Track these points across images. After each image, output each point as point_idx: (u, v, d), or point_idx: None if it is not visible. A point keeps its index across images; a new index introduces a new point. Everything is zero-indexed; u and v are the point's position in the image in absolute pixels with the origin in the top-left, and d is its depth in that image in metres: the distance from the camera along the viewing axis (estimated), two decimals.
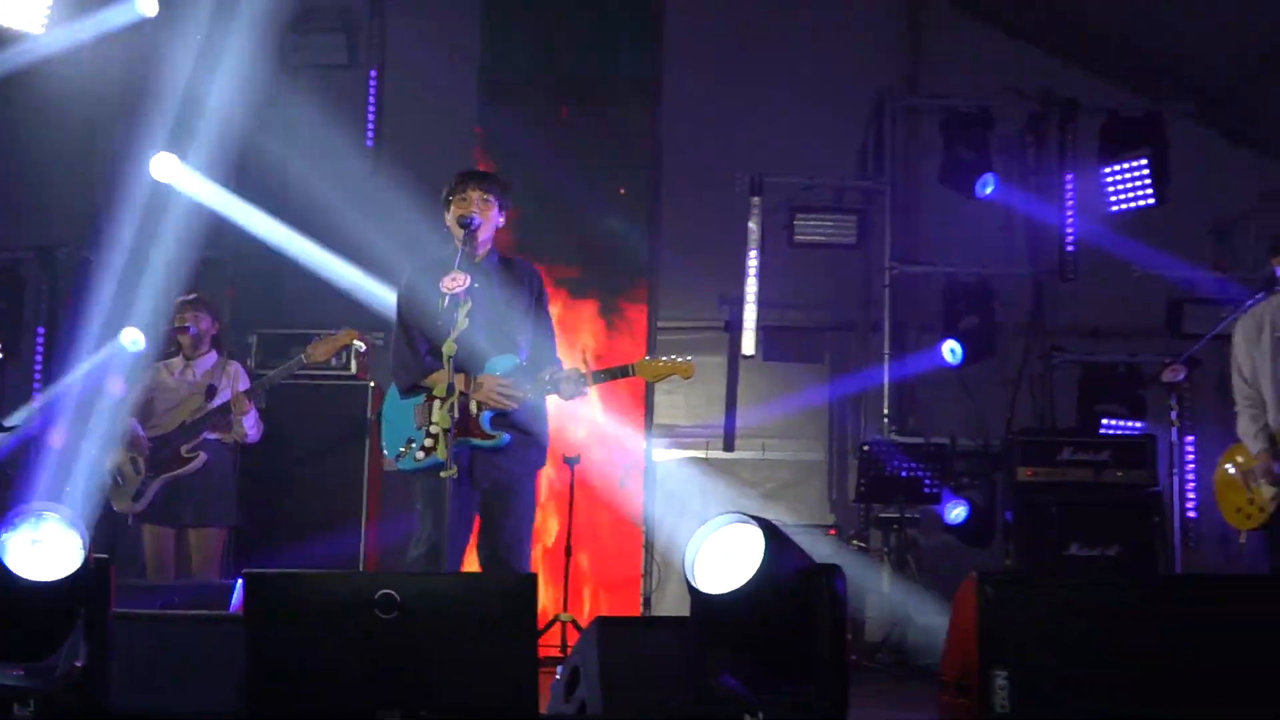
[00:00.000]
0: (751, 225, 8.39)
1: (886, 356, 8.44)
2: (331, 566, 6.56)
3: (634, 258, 7.95)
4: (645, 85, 8.17)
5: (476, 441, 4.60)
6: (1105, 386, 8.28)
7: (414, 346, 4.75)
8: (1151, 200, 8.20)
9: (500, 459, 4.66)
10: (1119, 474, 7.22)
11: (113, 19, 7.54)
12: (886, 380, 8.42)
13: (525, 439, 4.73)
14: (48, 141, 8.14)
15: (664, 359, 4.76)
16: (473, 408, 4.59)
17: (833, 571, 3.23)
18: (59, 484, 5.47)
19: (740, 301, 8.41)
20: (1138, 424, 8.01)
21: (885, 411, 8.41)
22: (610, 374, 4.90)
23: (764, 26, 9.10)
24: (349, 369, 7.23)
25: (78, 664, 3.17)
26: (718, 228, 8.63)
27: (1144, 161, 8.21)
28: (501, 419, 4.63)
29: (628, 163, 8.04)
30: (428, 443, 4.58)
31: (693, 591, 3.24)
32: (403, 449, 4.68)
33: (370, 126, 8.34)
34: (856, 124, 8.99)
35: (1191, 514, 7.49)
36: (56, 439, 6.22)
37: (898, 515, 7.69)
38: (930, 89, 8.98)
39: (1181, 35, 8.71)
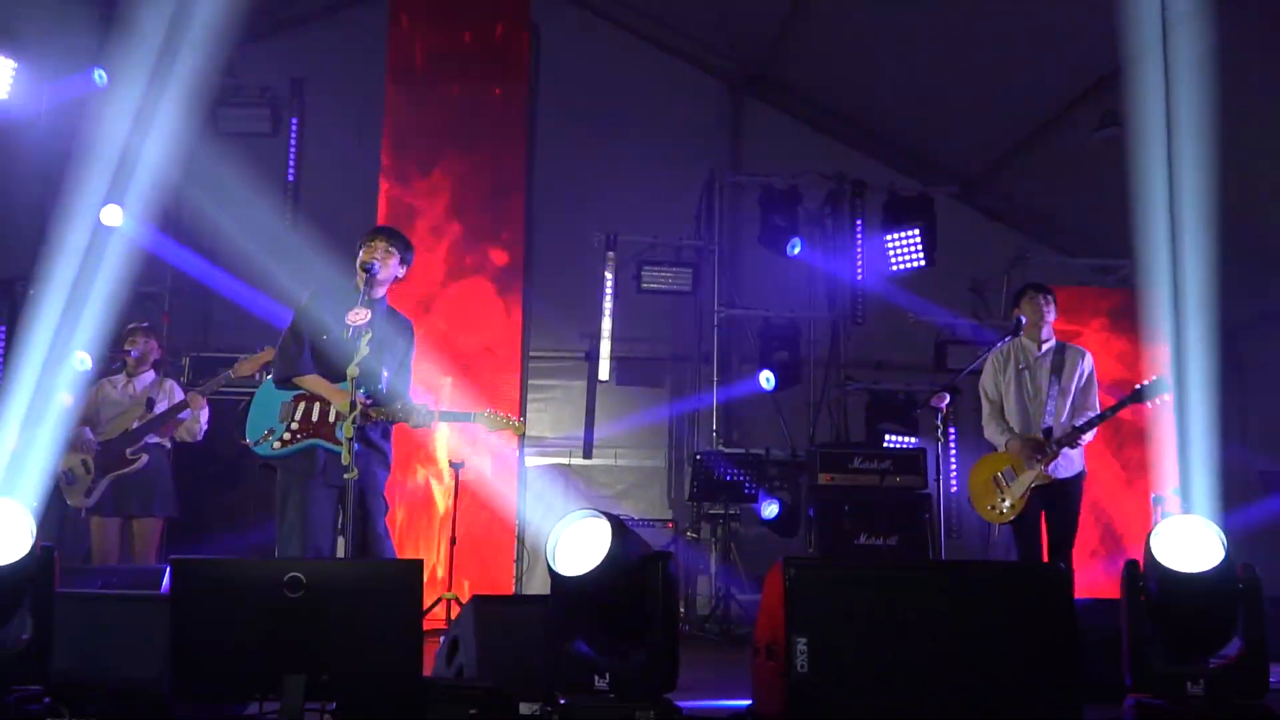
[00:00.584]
0: (607, 274, 8.45)
1: (715, 382, 8.56)
2: (251, 554, 6.35)
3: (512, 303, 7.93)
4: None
5: (325, 444, 4.48)
6: (887, 409, 8.52)
7: (300, 346, 4.60)
8: (923, 262, 8.52)
9: (363, 462, 4.48)
10: (898, 479, 7.41)
11: (67, 89, 7.26)
12: (715, 401, 8.54)
13: (379, 443, 4.60)
14: (7, 189, 7.77)
15: (503, 415, 4.69)
16: (331, 415, 4.49)
17: (666, 557, 3.24)
18: (9, 481, 5.18)
19: (597, 336, 8.44)
20: (913, 439, 8.26)
21: (714, 427, 8.52)
22: (455, 416, 4.85)
23: (617, 112, 9.21)
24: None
25: (24, 637, 3.02)
26: (579, 275, 8.67)
27: (917, 231, 8.52)
28: (360, 432, 4.48)
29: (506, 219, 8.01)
30: (285, 435, 4.47)
31: (553, 574, 3.21)
32: (261, 436, 4.53)
33: (290, 182, 8.15)
34: (691, 194, 9.14)
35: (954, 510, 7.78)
36: (8, 442, 5.88)
37: (723, 511, 7.78)
38: (750, 168, 9.19)
39: (945, 131, 9.09)
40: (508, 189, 7.98)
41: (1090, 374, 5.53)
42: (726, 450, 8.20)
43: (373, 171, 7.97)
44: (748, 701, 3.49)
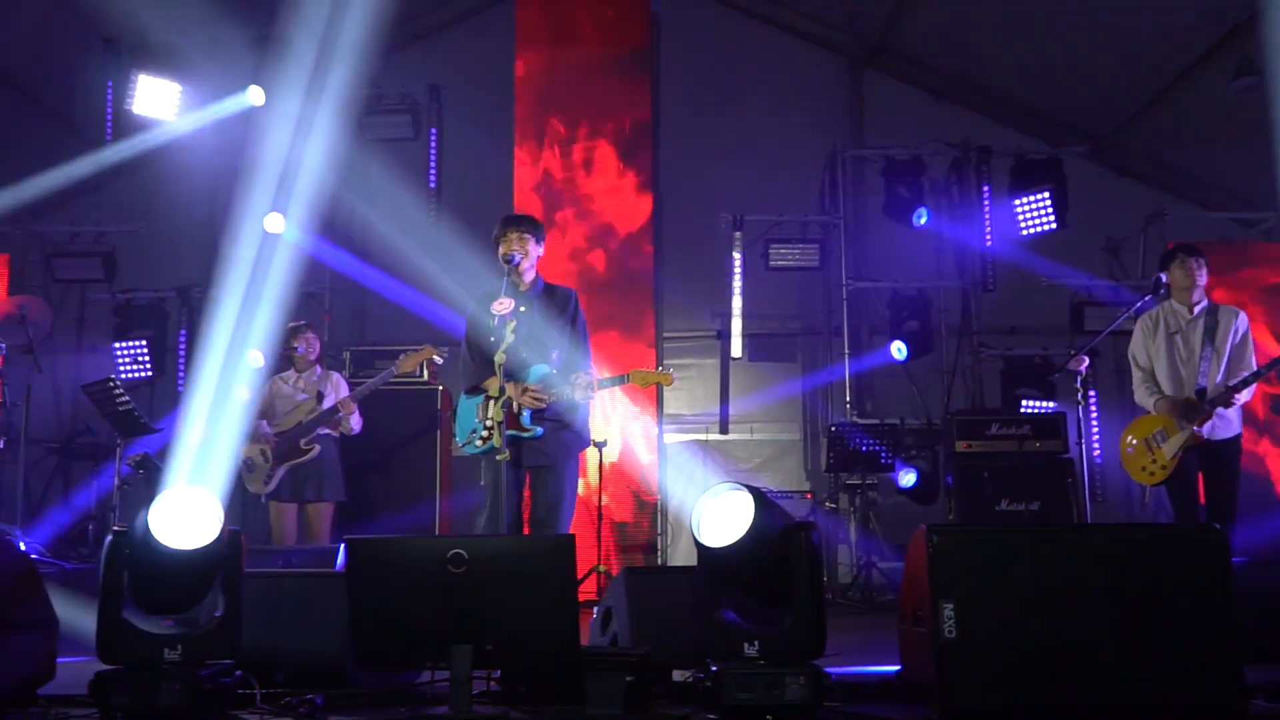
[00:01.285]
0: (735, 254, 8.39)
1: (846, 355, 8.42)
2: (413, 532, 6.57)
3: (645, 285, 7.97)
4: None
5: (517, 433, 4.62)
6: (1023, 374, 8.22)
7: (474, 357, 4.77)
8: (1054, 225, 8.17)
9: (539, 445, 4.66)
10: (1037, 444, 7.13)
11: (228, 107, 7.60)
12: (847, 373, 8.40)
13: (559, 428, 4.72)
14: (180, 203, 8.19)
15: (652, 371, 4.76)
16: (515, 407, 4.61)
17: (809, 527, 3.20)
18: (198, 470, 5.48)
19: (728, 315, 8.40)
20: (1050, 404, 7.96)
21: (848, 399, 8.39)
22: (612, 381, 4.89)
23: (737, 94, 9.13)
24: (423, 376, 7.24)
25: (216, 614, 3.14)
26: (707, 256, 8.63)
27: (1046, 194, 8.17)
28: (538, 415, 4.63)
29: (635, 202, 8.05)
30: (484, 433, 4.63)
31: (699, 545, 3.21)
32: (467, 439, 4.71)
33: (432, 184, 8.34)
34: (814, 170, 8.99)
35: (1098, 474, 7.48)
36: (194, 436, 6.22)
37: (860, 481, 7.66)
38: (872, 141, 8.99)
39: (1072, 90, 8.69)
40: (636, 173, 8.02)
41: (1245, 332, 5.22)
42: (861, 421, 8.07)
43: (507, 165, 8.12)
44: (896, 667, 3.44)
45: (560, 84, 8.12)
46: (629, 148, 8.07)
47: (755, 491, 3.19)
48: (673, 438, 8.63)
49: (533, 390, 4.59)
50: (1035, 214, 8.20)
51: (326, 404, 6.28)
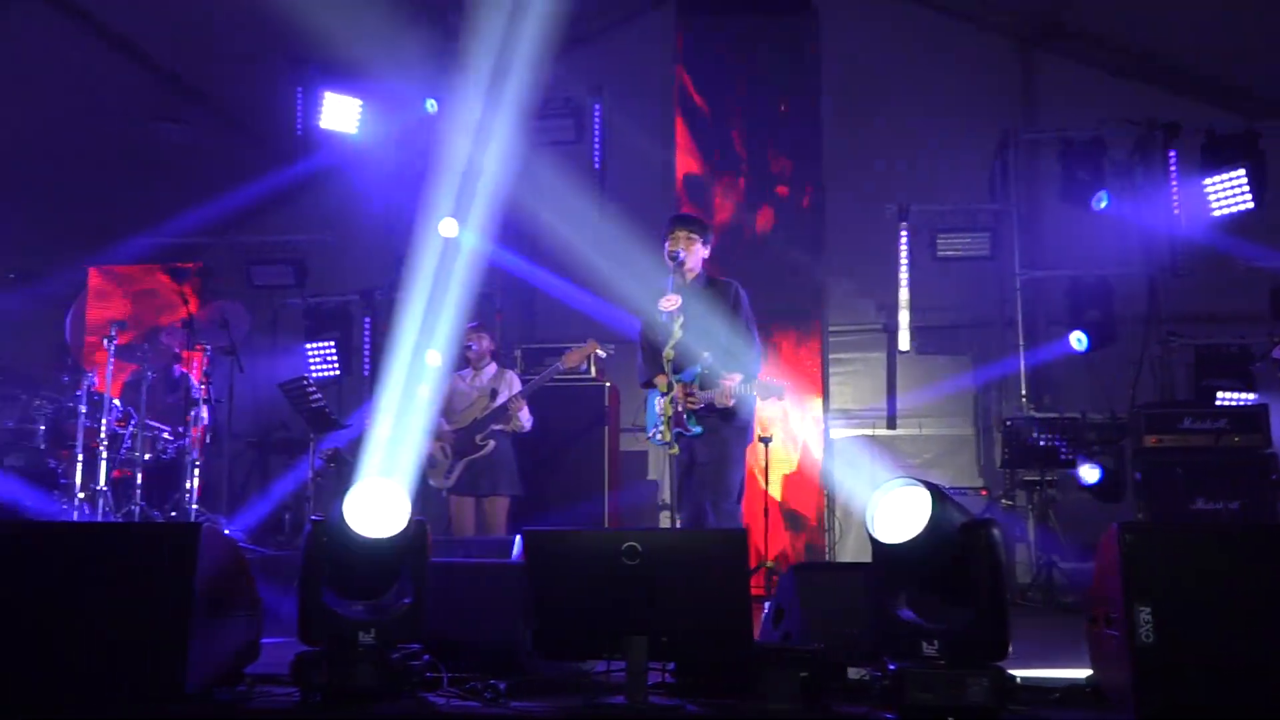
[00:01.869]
0: (901, 245, 8.19)
1: (1021, 347, 8.09)
2: (583, 525, 6.69)
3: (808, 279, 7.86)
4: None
5: (681, 430, 4.66)
6: (1217, 364, 7.71)
7: (646, 354, 4.88)
8: (1250, 204, 7.60)
9: (702, 442, 4.66)
10: (1235, 439, 6.64)
11: (406, 119, 7.91)
12: (1022, 366, 8.07)
13: (719, 426, 4.71)
14: (362, 213, 8.60)
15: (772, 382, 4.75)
16: (679, 406, 4.66)
17: (990, 524, 3.09)
18: (386, 464, 5.73)
19: (895, 307, 8.22)
20: (1249, 396, 7.43)
21: (1023, 392, 8.05)
22: (766, 389, 4.82)
23: (900, 82, 8.89)
24: (590, 372, 7.36)
25: (405, 601, 3.27)
26: (872, 248, 8.45)
27: (1242, 171, 7.61)
28: (698, 414, 4.64)
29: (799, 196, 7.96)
30: (662, 427, 4.72)
31: (874, 542, 3.14)
32: (651, 432, 4.82)
33: (597, 184, 8.47)
34: (982, 157, 8.68)
35: None
36: (381, 431, 6.50)
37: (1039, 478, 7.35)
38: (1045, 123, 8.59)
39: (1269, 59, 8.05)
40: (798, 166, 7.92)
41: None
42: (1038, 415, 7.72)
43: (670, 163, 8.15)
44: (1085, 671, 3.27)
45: (720, 80, 8.09)
46: (790, 141, 7.97)
47: (932, 487, 3.10)
48: (839, 433, 8.49)
49: (686, 391, 4.64)
50: (1229, 193, 7.65)
51: (499, 401, 6.46)
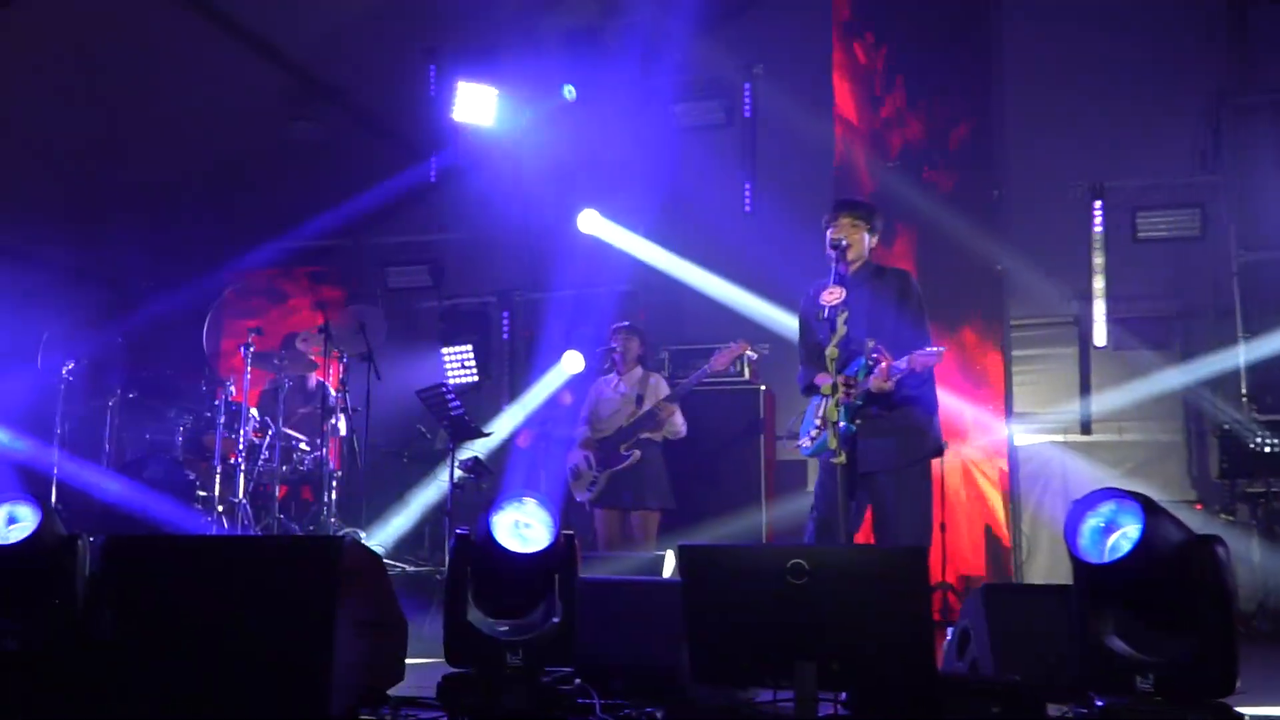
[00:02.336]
0: (1095, 226, 7.86)
1: (1240, 339, 7.62)
2: (739, 540, 6.65)
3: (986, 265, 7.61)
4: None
5: (840, 432, 4.52)
6: None
7: (805, 353, 4.81)
8: None
9: (871, 448, 4.49)
10: None
11: (543, 108, 8.06)
12: (1242, 362, 7.61)
13: (888, 429, 4.54)
14: (498, 208, 8.79)
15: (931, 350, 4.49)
16: (841, 402, 4.54)
17: (1214, 540, 2.92)
18: (529, 475, 5.85)
19: (1087, 296, 7.88)
20: None
21: (1243, 391, 7.58)
22: (894, 369, 4.48)
23: (1096, 38, 8.51)
24: (743, 375, 7.31)
25: (554, 620, 3.31)
26: (1059, 230, 8.12)
27: None
28: (861, 412, 4.47)
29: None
30: (813, 432, 4.64)
31: (1076, 561, 3.00)
32: (806, 438, 4.74)
33: (748, 170, 8.42)
34: (1186, 127, 8.22)
35: None
36: (524, 441, 6.65)
37: (1263, 490, 6.91)
38: (1264, 85, 8.06)
39: None
40: (975, 136, 7.69)
41: None
42: (1260, 417, 7.26)
43: (827, 146, 8.02)
44: None
45: (886, 53, 7.93)
46: (966, 117, 7.74)
47: (1145, 499, 2.95)
48: (1025, 439, 8.17)
49: (846, 382, 4.47)
50: None
51: (645, 407, 6.50)
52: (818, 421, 4.64)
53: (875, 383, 4.42)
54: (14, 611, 3.40)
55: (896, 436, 4.59)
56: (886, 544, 4.49)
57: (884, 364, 4.41)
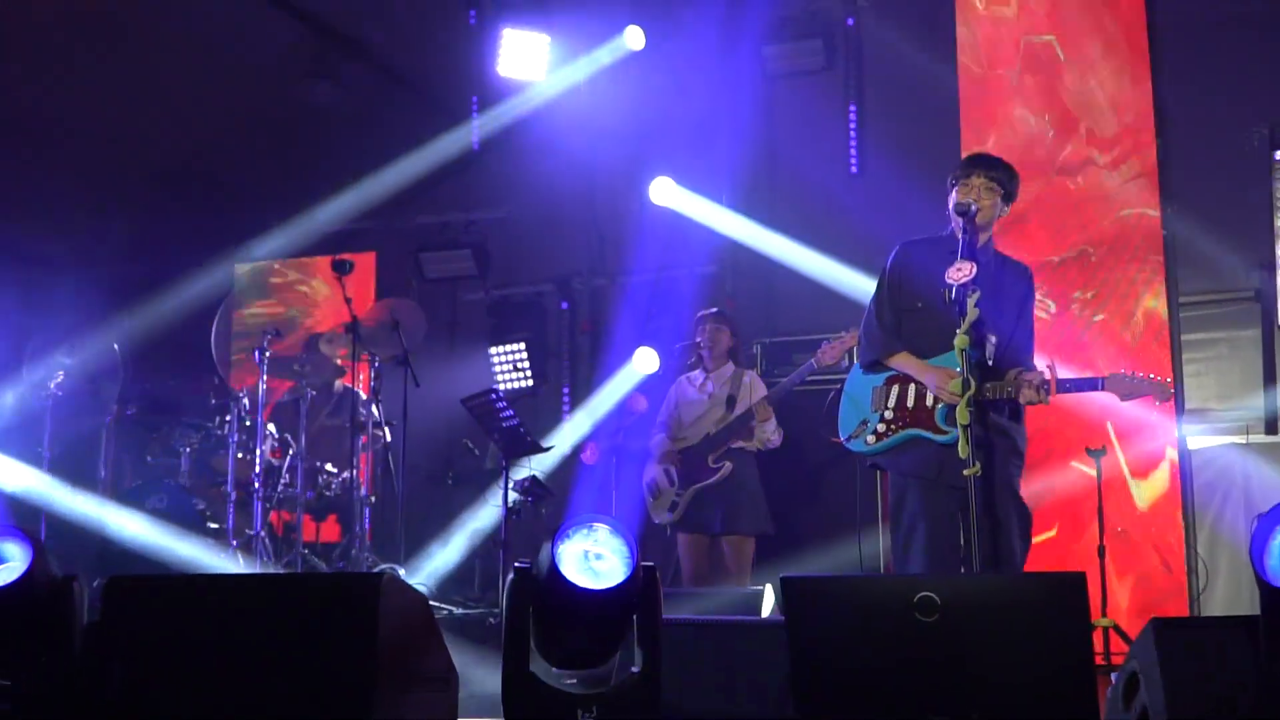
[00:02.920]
0: (1277, 183, 7.70)
1: None
2: (851, 570, 6.59)
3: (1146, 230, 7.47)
4: None
5: (924, 433, 4.49)
6: None
7: (883, 321, 4.73)
8: None
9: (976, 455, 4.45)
10: None
11: (603, 57, 8.07)
12: None
13: (992, 435, 4.53)
14: (553, 179, 8.81)
15: (1141, 376, 4.49)
16: (928, 400, 4.51)
17: None
18: (599, 496, 5.86)
19: (1271, 266, 7.73)
20: None
21: None
22: (1079, 385, 4.64)
23: None
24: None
25: (633, 669, 3.29)
26: (1235, 189, 8.02)
27: None
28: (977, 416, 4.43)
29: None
30: (879, 427, 4.62)
31: (1263, 585, 2.94)
32: (854, 431, 4.67)
33: (853, 123, 8.35)
34: None
35: None
36: (590, 456, 6.66)
37: None
38: None
39: None
40: (1130, 76, 7.55)
41: None
42: None
43: (950, 92, 7.92)
44: None
45: None
46: (1120, 57, 7.58)
47: None
48: (1198, 441, 8.02)
49: (994, 390, 4.48)
50: None
51: (738, 410, 6.47)
52: (887, 414, 4.59)
53: (1026, 394, 4.45)
54: (3, 667, 3.46)
55: (992, 447, 4.54)
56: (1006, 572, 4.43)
57: (1051, 380, 4.45)
